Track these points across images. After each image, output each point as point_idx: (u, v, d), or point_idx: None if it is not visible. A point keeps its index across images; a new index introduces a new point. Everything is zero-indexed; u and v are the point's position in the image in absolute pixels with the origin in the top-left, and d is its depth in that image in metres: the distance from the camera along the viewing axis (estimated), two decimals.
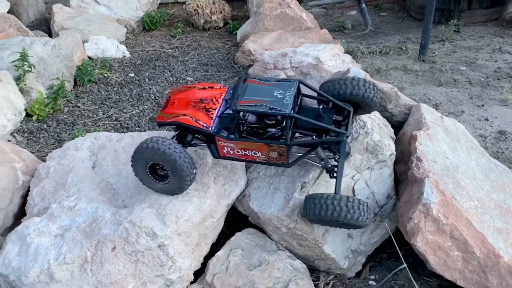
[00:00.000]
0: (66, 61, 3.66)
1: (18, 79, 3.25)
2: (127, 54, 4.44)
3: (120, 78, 3.92)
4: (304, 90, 2.11)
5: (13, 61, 3.24)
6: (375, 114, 2.39)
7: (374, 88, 2.10)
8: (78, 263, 1.87)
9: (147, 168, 1.95)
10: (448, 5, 4.91)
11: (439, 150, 2.26)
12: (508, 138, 2.99)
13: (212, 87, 2.16)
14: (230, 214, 2.29)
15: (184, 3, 5.40)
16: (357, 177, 2.20)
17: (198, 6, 5.09)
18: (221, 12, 5.18)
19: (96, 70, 3.95)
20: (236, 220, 2.40)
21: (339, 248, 2.19)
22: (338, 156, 2.02)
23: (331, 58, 3.43)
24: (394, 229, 2.24)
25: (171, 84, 3.80)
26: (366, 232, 2.25)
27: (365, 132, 2.23)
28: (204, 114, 2.02)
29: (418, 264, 2.13)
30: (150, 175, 1.98)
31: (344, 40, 4.60)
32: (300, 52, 3.56)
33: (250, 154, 2.01)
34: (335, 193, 1.93)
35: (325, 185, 2.18)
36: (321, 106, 2.08)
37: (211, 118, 2.01)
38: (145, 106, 3.47)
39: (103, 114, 3.39)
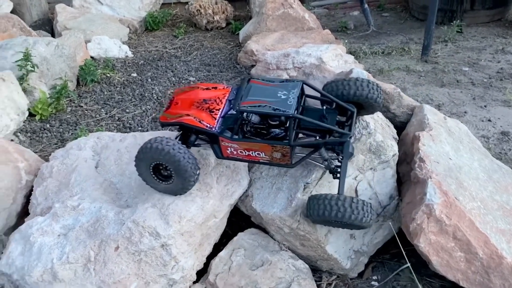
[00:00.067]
0: (69, 61, 3.67)
1: (21, 79, 3.25)
2: (130, 54, 4.44)
3: (123, 78, 3.93)
4: (308, 90, 2.12)
5: (16, 61, 3.25)
6: (378, 115, 2.39)
7: (377, 88, 2.10)
8: (81, 263, 1.88)
9: (151, 168, 1.95)
10: (451, 5, 4.90)
11: (442, 151, 2.26)
12: (511, 139, 2.99)
13: (215, 88, 2.16)
14: (232, 214, 2.30)
15: (186, 3, 5.40)
16: (360, 178, 2.20)
17: (200, 6, 5.09)
18: (223, 12, 5.18)
19: (99, 70, 3.95)
20: (239, 220, 2.41)
21: (342, 248, 2.19)
22: (341, 157, 2.02)
23: (333, 59, 3.43)
24: (397, 229, 2.24)
25: (174, 84, 3.81)
26: (369, 233, 2.25)
27: (368, 132, 2.23)
28: (207, 114, 2.02)
29: (420, 264, 2.13)
30: (153, 175, 1.98)
31: (346, 41, 4.60)
32: (302, 52, 3.56)
33: (254, 155, 2.02)
34: (338, 193, 1.93)
35: (328, 186, 2.18)
36: (324, 107, 2.08)
37: (215, 118, 2.01)
38: (148, 106, 3.47)
39: (106, 114, 3.40)
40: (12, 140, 2.96)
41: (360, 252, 2.24)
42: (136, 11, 5.26)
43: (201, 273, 2.13)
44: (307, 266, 2.17)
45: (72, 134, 3.13)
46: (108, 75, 3.95)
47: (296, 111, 1.88)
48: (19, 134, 3.12)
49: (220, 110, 2.05)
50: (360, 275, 2.29)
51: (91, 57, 4.21)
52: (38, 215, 2.10)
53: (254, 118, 2.01)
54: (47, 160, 2.46)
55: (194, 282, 2.07)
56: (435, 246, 1.94)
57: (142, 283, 1.89)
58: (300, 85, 2.00)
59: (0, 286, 1.96)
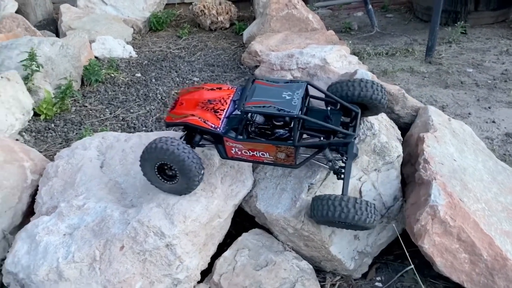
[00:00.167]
0: (73, 61, 3.68)
1: (26, 79, 3.27)
2: (134, 54, 4.46)
3: (127, 78, 3.94)
4: (312, 91, 2.12)
5: (21, 61, 3.26)
6: (382, 116, 2.40)
7: (382, 89, 2.10)
8: (86, 262, 1.89)
9: (156, 168, 1.96)
10: (455, 7, 4.89)
11: (446, 152, 2.26)
12: None
13: (220, 88, 2.17)
14: (236, 215, 2.30)
15: (190, 3, 5.42)
16: (364, 179, 2.20)
17: (204, 6, 5.10)
18: (227, 13, 5.19)
19: (103, 70, 3.97)
20: (243, 221, 2.41)
21: (346, 249, 2.19)
22: (345, 158, 2.02)
23: (337, 59, 3.44)
24: (401, 231, 2.24)
25: (178, 85, 3.82)
26: (373, 234, 2.25)
27: (372, 133, 2.23)
28: (212, 114, 2.03)
29: (424, 266, 2.13)
30: (158, 175, 1.99)
31: (350, 41, 4.60)
32: (306, 53, 3.56)
33: (258, 155, 2.02)
34: (342, 194, 1.93)
35: (332, 187, 2.18)
36: (329, 108, 2.08)
37: (219, 119, 2.02)
38: (152, 106, 3.49)
39: (110, 114, 3.41)
40: (17, 140, 2.98)
41: (364, 253, 2.24)
42: (140, 11, 5.27)
43: (206, 273, 2.14)
44: (311, 266, 2.17)
45: (76, 134, 3.15)
46: (112, 75, 3.96)
47: (300, 112, 1.89)
48: (24, 133, 3.13)
49: (225, 111, 2.05)
50: (364, 276, 2.30)
51: (96, 57, 4.22)
52: (43, 214, 2.12)
53: (259, 119, 2.02)
54: (51, 160, 2.47)
55: (199, 282, 2.08)
56: (439, 248, 1.94)
57: (147, 282, 1.90)
58: (304, 85, 2.00)
59: (6, 285, 1.97)
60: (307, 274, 2.11)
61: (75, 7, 5.03)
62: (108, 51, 4.32)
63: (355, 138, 2.00)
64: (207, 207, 2.05)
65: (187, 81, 3.88)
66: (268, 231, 2.30)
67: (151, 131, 3.10)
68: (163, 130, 3.06)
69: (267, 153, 2.00)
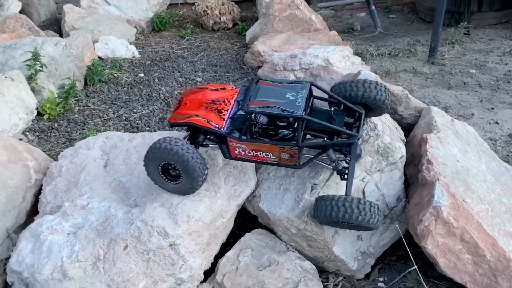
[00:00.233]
0: (76, 61, 3.69)
1: (29, 79, 3.28)
2: (137, 54, 4.47)
3: (130, 78, 3.95)
4: (316, 92, 2.12)
5: (25, 61, 3.28)
6: (386, 117, 2.40)
7: (385, 90, 2.10)
8: (90, 261, 1.89)
9: (160, 168, 1.96)
10: (458, 7, 4.89)
11: (449, 153, 2.26)
12: None
13: (224, 88, 2.18)
14: (239, 215, 2.30)
15: (193, 4, 5.42)
16: (368, 179, 2.20)
17: (207, 7, 5.11)
18: (230, 13, 5.20)
19: (106, 70, 3.98)
20: (246, 221, 2.42)
21: (349, 249, 2.19)
22: (349, 158, 2.02)
23: (340, 60, 3.44)
24: (404, 231, 2.24)
25: (181, 85, 3.82)
26: (376, 234, 2.25)
27: (375, 134, 2.24)
28: (216, 115, 2.04)
29: (427, 266, 2.13)
30: (162, 175, 2.00)
31: (353, 42, 4.60)
32: (309, 53, 3.57)
33: (262, 155, 2.03)
34: (346, 195, 1.93)
35: (335, 187, 2.18)
36: (332, 108, 2.09)
37: (223, 119, 2.02)
38: (155, 106, 3.49)
39: (113, 114, 3.42)
40: (20, 139, 2.99)
41: (367, 253, 2.24)
42: (143, 11, 5.28)
43: (209, 273, 2.15)
44: (314, 267, 2.18)
45: (80, 133, 3.16)
46: (116, 75, 3.97)
47: (304, 112, 1.89)
48: (27, 133, 3.14)
49: (229, 111, 2.06)
50: (367, 276, 2.30)
51: (99, 57, 4.24)
52: (47, 214, 2.12)
53: (262, 119, 2.02)
54: (55, 159, 2.48)
55: (202, 282, 2.09)
56: (443, 248, 1.94)
57: (151, 282, 1.91)
58: (308, 86, 2.00)
59: (10, 284, 1.98)
60: (310, 275, 2.11)
61: (78, 7, 5.05)
62: (111, 51, 4.33)
63: (358, 139, 2.00)
64: (211, 207, 2.06)
65: (190, 81, 3.89)
66: (271, 231, 2.30)
67: (154, 131, 3.11)
68: (166, 130, 3.07)
69: (271, 154, 2.00)
